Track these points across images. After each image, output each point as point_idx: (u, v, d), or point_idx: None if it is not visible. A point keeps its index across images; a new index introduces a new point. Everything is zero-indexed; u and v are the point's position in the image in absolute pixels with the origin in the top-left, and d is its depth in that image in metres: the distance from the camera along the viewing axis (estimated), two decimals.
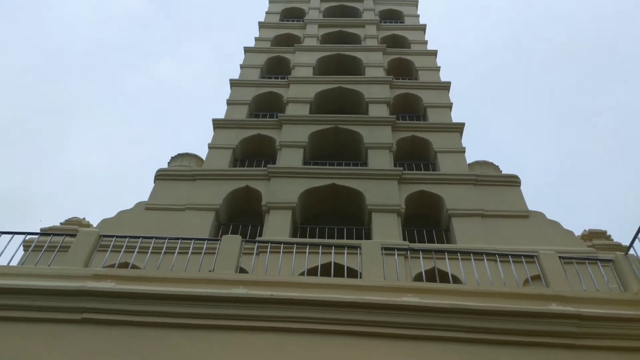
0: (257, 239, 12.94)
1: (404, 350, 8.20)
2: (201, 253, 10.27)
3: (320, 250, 10.50)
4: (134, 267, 10.62)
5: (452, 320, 8.44)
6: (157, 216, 14.53)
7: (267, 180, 15.71)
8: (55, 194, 54.34)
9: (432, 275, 10.55)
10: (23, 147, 54.65)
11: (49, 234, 11.30)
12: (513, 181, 15.86)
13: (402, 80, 21.22)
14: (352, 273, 10.21)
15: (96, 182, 54.41)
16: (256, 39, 24.14)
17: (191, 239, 10.80)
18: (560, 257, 9.98)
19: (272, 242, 11.02)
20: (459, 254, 10.55)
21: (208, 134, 18.11)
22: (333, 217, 15.66)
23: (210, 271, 9.73)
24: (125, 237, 10.77)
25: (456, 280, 10.84)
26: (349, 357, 8.10)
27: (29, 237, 10.77)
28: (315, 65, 21.80)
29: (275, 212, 14.72)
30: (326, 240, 13.39)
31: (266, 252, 10.83)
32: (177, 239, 10.75)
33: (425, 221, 15.50)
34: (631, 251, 9.77)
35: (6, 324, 8.47)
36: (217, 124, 18.31)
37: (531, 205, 15.13)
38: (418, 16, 26.39)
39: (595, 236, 14.02)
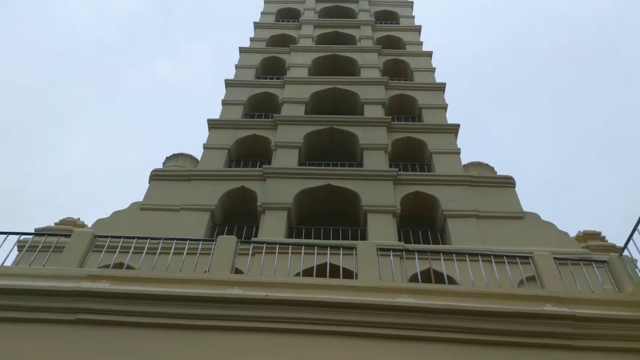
0: (253, 239, 12.90)
1: (399, 351, 8.19)
2: (196, 254, 10.24)
3: (315, 251, 10.49)
4: (128, 267, 10.60)
5: (447, 321, 8.45)
6: (152, 216, 14.50)
7: (262, 181, 15.70)
8: (54, 194, 54.22)
9: (428, 276, 10.59)
10: (23, 147, 54.54)
11: (43, 234, 11.24)
12: (508, 182, 15.93)
13: (398, 81, 21.26)
14: (348, 274, 10.21)
15: (96, 182, 54.39)
16: (251, 39, 24.12)
17: (186, 239, 10.76)
18: (555, 258, 10.02)
19: (267, 243, 10.99)
20: (454, 254, 10.55)
21: (206, 134, 18.09)
22: (328, 217, 15.68)
23: (205, 272, 9.68)
24: (120, 237, 10.72)
25: (451, 281, 10.85)
26: (344, 358, 8.09)
27: (23, 237, 10.69)
28: (310, 66, 21.80)
29: (271, 212, 14.72)
30: (322, 241, 13.41)
31: (262, 252, 10.82)
32: (172, 239, 10.71)
33: (421, 222, 15.53)
34: (625, 252, 9.81)
35: (0, 325, 8.41)
36: (212, 124, 18.29)
37: (531, 205, 15.34)
38: (413, 17, 26.46)
39: (589, 237, 14.10)
